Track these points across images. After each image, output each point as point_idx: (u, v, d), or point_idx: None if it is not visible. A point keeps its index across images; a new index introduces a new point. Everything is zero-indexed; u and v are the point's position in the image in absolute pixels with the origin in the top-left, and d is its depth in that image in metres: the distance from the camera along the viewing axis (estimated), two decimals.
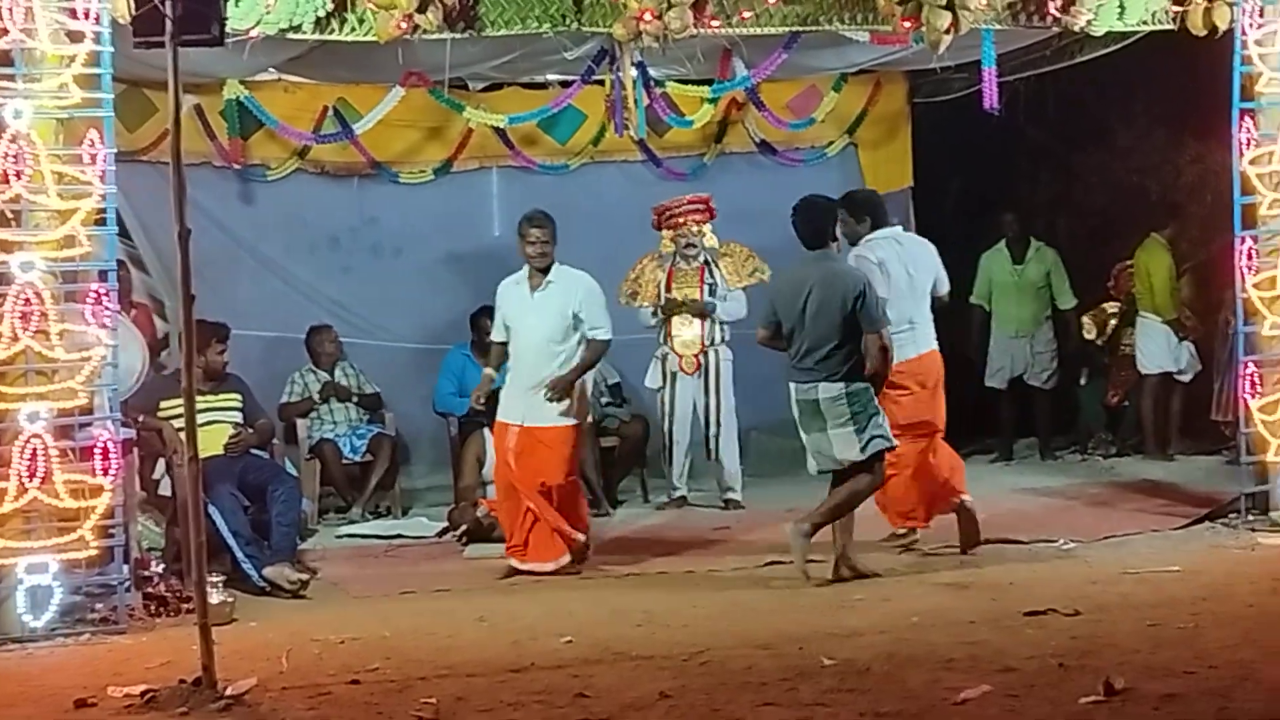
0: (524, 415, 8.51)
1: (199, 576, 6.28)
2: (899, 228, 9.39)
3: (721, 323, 10.41)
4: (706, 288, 10.38)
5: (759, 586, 8.05)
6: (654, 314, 10.44)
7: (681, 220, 10.37)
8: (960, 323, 12.22)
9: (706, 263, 10.43)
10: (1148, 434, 11.71)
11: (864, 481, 8.07)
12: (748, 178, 11.80)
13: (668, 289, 10.40)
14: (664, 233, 10.49)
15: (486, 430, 9.81)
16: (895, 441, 8.08)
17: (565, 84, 10.08)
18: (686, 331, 10.39)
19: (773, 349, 8.27)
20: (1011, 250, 11.96)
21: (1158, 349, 11.61)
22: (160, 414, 8.48)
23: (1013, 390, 12.06)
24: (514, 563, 8.47)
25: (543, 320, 8.57)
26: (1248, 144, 8.86)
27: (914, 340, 8.53)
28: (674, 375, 10.42)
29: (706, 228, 10.43)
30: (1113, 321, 12.06)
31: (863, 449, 7.94)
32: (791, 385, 8.08)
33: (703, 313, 10.32)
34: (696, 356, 10.36)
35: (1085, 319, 12.08)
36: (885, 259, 8.50)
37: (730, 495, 10.44)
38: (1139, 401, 11.80)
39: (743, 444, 11.11)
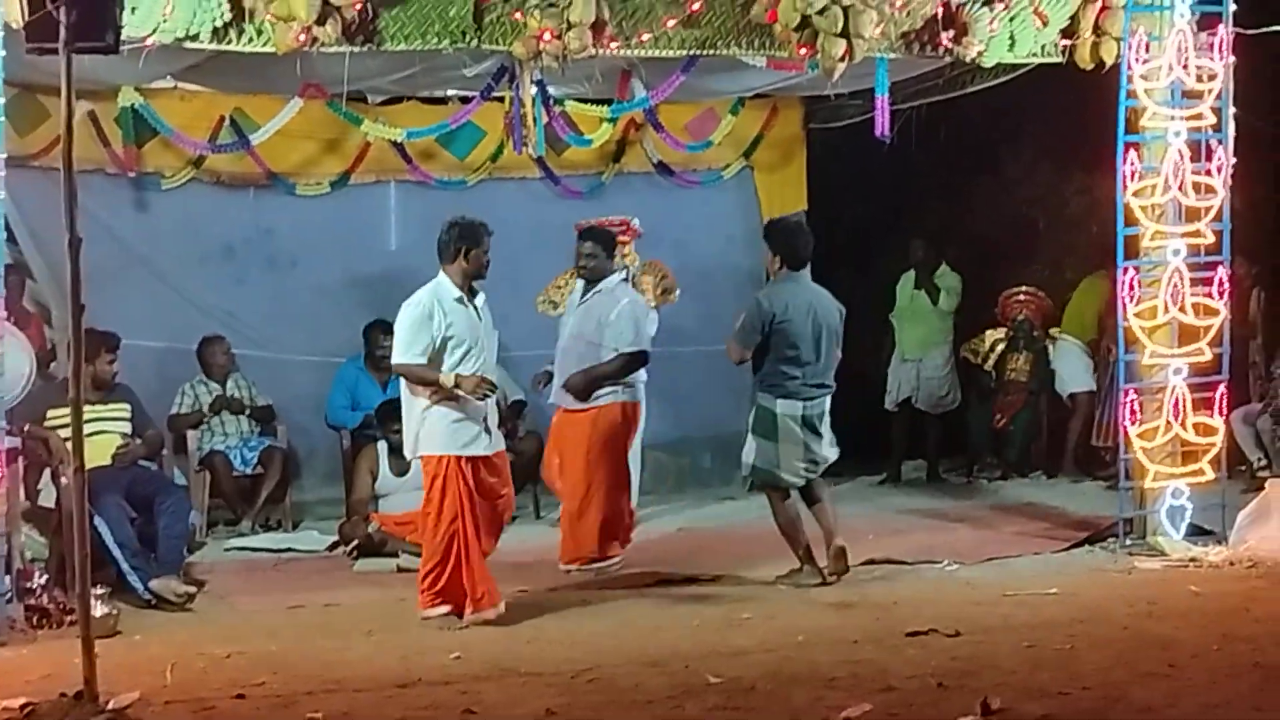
0: None
1: (82, 588, 6.22)
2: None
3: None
4: None
5: (648, 604, 8.11)
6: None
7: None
8: (862, 342, 12.45)
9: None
10: (1072, 456, 11.92)
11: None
12: (645, 198, 11.84)
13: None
14: None
15: (380, 444, 9.81)
16: None
17: (465, 100, 10.09)
18: None
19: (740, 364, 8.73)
20: (918, 275, 12.17)
21: (1080, 369, 11.84)
22: (47, 423, 8.37)
23: (903, 413, 12.24)
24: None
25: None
26: (1132, 176, 9.07)
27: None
28: None
29: (629, 248, 10.40)
30: (999, 347, 12.27)
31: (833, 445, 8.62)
32: (798, 403, 8.46)
33: None
34: None
35: (970, 344, 12.31)
36: None
37: None
38: (1069, 423, 11.99)
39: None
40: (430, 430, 7.68)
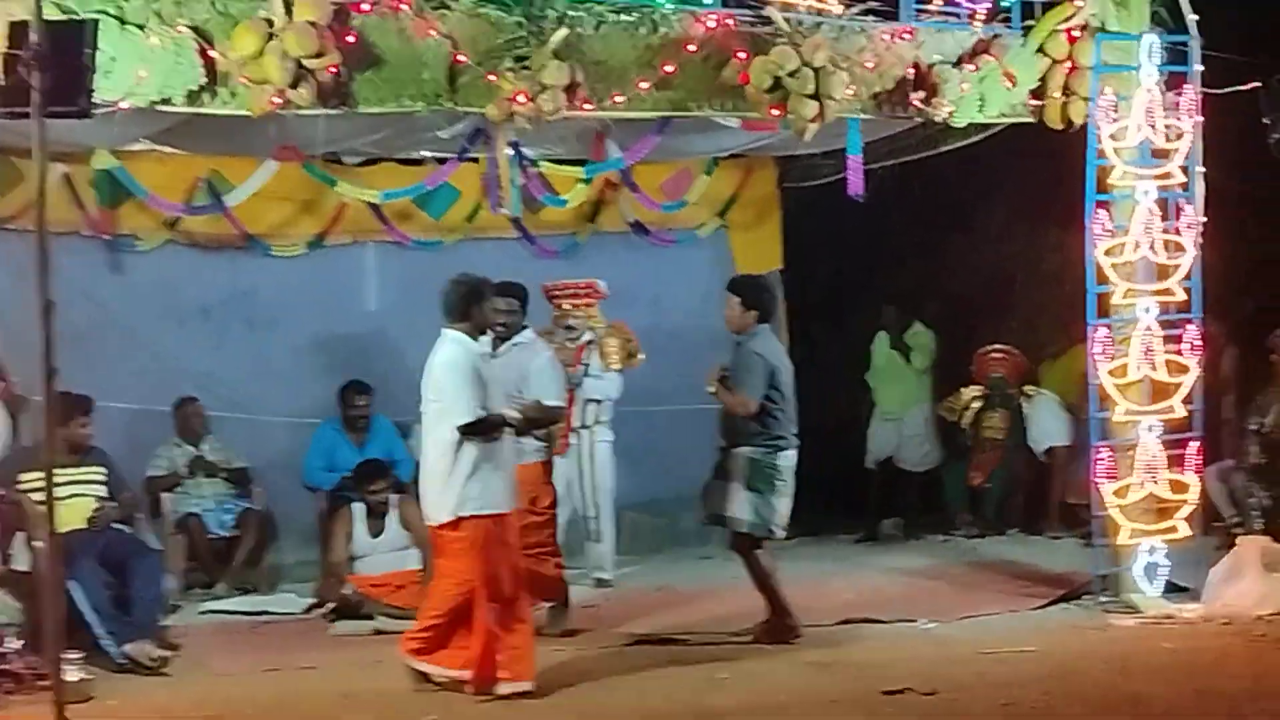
0: None
1: (54, 653, 6.19)
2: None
3: (595, 401, 10.37)
4: (582, 367, 10.33)
5: (626, 665, 8.08)
6: None
7: (561, 303, 10.35)
8: (837, 400, 12.51)
9: (590, 343, 10.39)
10: (1056, 511, 11.89)
11: None
12: (621, 257, 11.90)
13: None
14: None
15: (355, 505, 9.79)
16: None
17: (441, 161, 10.14)
18: None
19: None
20: (891, 337, 12.23)
21: (1057, 424, 11.87)
22: (20, 487, 8.35)
23: (883, 471, 12.27)
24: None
25: None
26: (1102, 234, 9.14)
27: None
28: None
29: (595, 310, 10.42)
30: (975, 405, 12.31)
31: None
32: (792, 453, 8.61)
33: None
34: (564, 437, 10.17)
35: (946, 402, 12.35)
36: None
37: (601, 575, 10.39)
38: (1048, 481, 12.01)
39: (617, 524, 11.20)
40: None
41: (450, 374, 7.55)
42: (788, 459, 8.58)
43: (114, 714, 7.16)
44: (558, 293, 10.39)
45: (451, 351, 7.61)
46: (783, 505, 8.57)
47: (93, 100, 6.49)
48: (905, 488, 12.37)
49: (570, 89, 8.36)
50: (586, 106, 8.52)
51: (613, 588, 10.30)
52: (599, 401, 10.41)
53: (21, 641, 7.78)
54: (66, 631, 6.84)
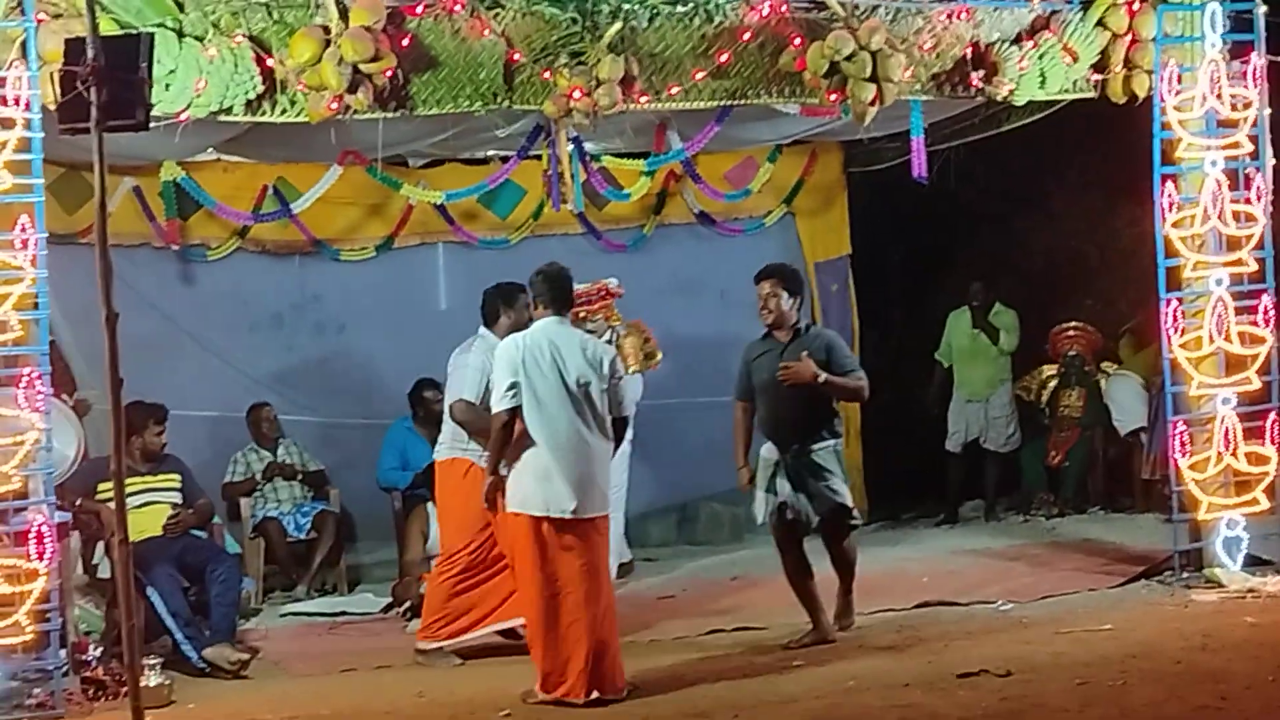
0: None
1: (131, 659, 6.28)
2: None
3: None
4: None
5: (698, 654, 8.09)
6: None
7: (577, 310, 9.83)
8: (916, 384, 12.45)
9: (612, 342, 10.12)
10: (1139, 493, 11.77)
11: None
12: (688, 248, 11.93)
13: None
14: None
15: (430, 505, 9.83)
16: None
17: (503, 159, 10.18)
18: None
19: None
20: (974, 316, 12.14)
21: (1139, 406, 11.73)
22: (99, 496, 8.48)
23: (965, 454, 12.19)
24: None
25: None
26: (1170, 208, 9.03)
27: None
28: None
29: (613, 310, 10.27)
30: (1051, 384, 12.21)
31: None
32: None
33: None
34: None
35: (1022, 381, 12.25)
36: None
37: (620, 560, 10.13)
38: (1128, 458, 11.88)
39: (694, 513, 11.21)
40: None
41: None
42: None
43: (194, 717, 7.27)
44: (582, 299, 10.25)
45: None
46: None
47: (151, 113, 6.55)
48: (988, 470, 12.27)
49: (626, 82, 8.36)
50: (643, 99, 8.52)
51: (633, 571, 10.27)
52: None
53: (104, 648, 7.91)
54: (146, 637, 6.94)
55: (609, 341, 10.14)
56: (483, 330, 8.61)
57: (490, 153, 10.59)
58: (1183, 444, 9.06)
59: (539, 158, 9.68)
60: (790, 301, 8.36)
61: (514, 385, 7.28)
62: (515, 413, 7.29)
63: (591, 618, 7.15)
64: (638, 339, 10.35)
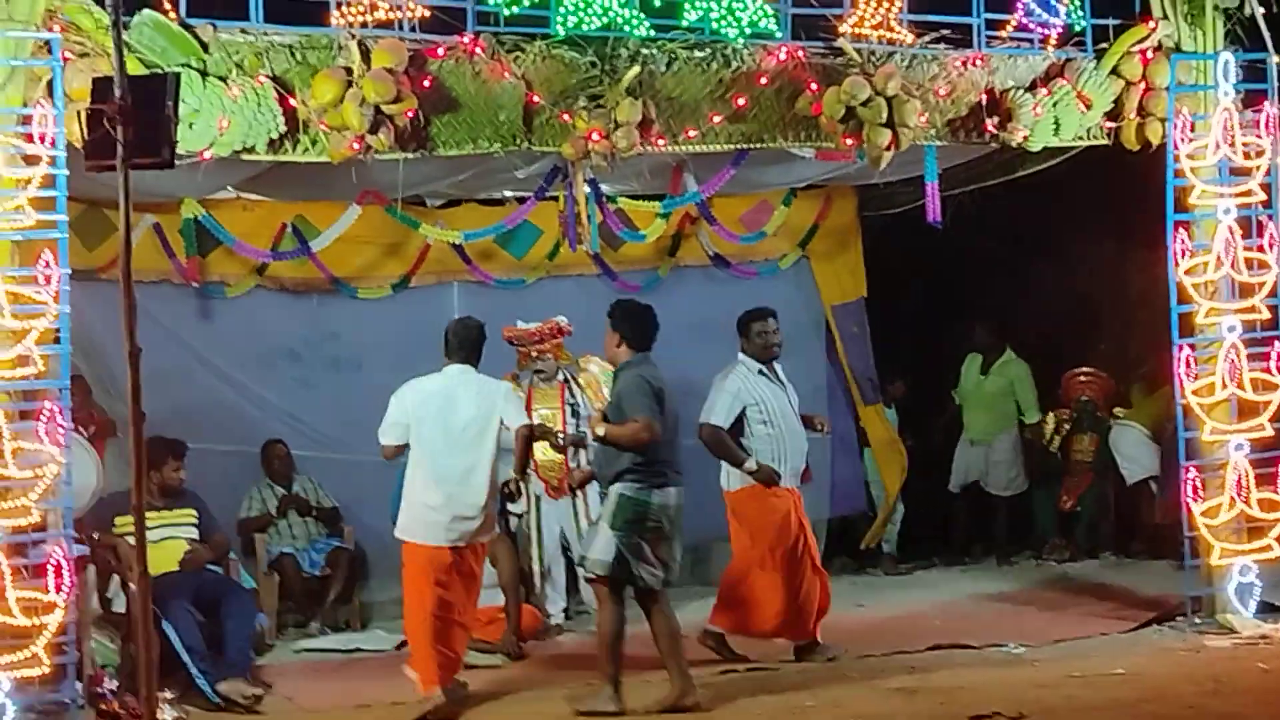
0: None
1: (148, 692, 6.32)
2: None
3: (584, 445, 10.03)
4: (568, 407, 10.25)
5: (710, 691, 8.06)
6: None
7: (529, 350, 10.22)
8: (929, 425, 12.51)
9: (565, 380, 10.31)
10: (1150, 539, 11.73)
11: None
12: (703, 290, 11.95)
13: (528, 409, 9.61)
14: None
15: None
16: None
17: (520, 200, 10.26)
18: (548, 453, 10.02)
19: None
20: (984, 359, 12.20)
21: (1144, 455, 11.75)
22: (115, 530, 8.53)
23: (968, 496, 12.23)
24: None
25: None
26: (1183, 254, 9.09)
27: None
28: (538, 499, 10.20)
29: (561, 349, 10.31)
30: (1064, 428, 12.24)
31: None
32: (672, 490, 7.96)
33: (573, 443, 9.97)
34: (561, 480, 10.11)
35: (1034, 426, 12.28)
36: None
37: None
38: (1137, 509, 11.89)
39: (706, 553, 11.21)
40: None
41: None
42: (664, 496, 7.89)
43: None
44: (521, 340, 10.25)
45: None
46: (662, 551, 7.87)
47: (176, 151, 6.63)
48: (993, 513, 12.29)
49: (644, 125, 8.45)
50: (660, 142, 8.61)
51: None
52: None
53: (119, 681, 7.94)
54: (162, 671, 6.97)
55: (566, 381, 10.18)
56: (741, 356, 9.02)
57: (508, 193, 10.68)
58: (1195, 490, 9.10)
59: (556, 199, 9.75)
60: (615, 340, 8.26)
61: None
62: None
63: None
64: (591, 376, 10.33)
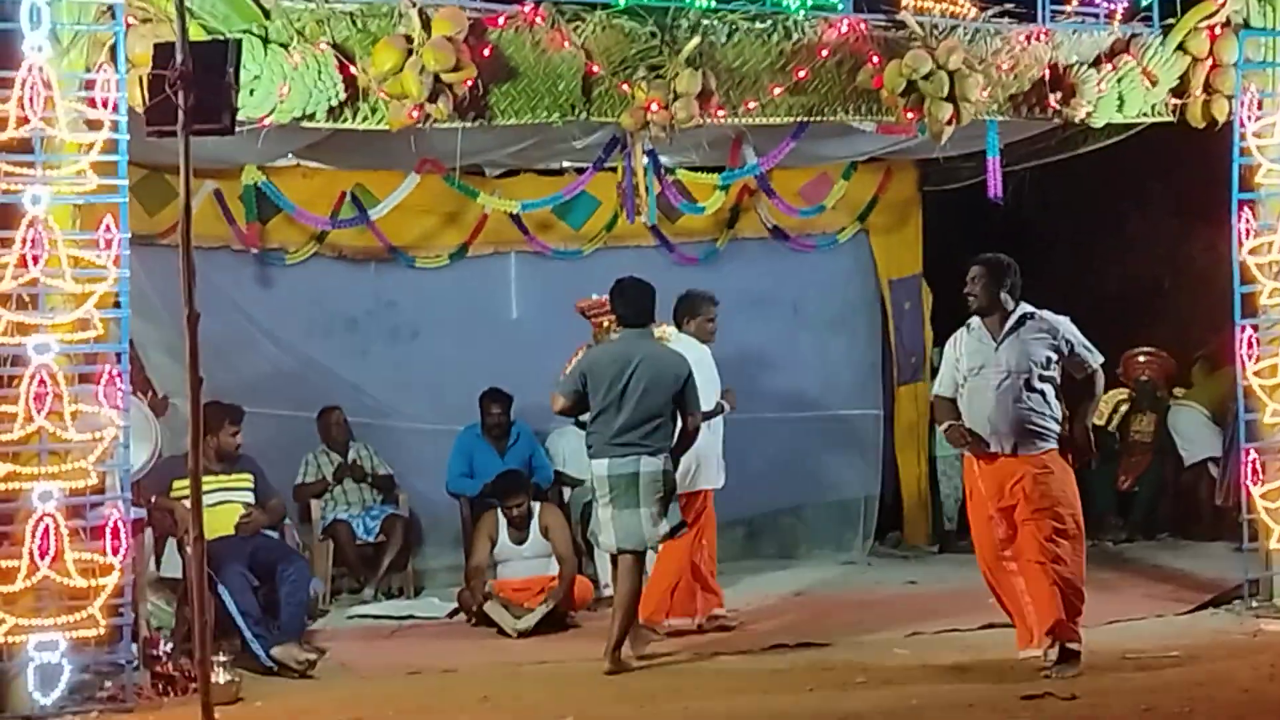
0: None
1: (202, 655, 6.37)
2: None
3: None
4: None
5: (763, 669, 8.11)
6: None
7: (602, 320, 10.11)
8: None
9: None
10: (1209, 520, 11.60)
11: (636, 571, 8.23)
12: (761, 263, 11.92)
13: None
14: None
15: (499, 512, 9.87)
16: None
17: (579, 171, 10.25)
18: None
19: (565, 416, 8.75)
20: None
21: (1203, 437, 11.63)
22: (173, 494, 8.60)
23: None
24: None
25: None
26: (1247, 234, 8.98)
27: None
28: None
29: (609, 323, 10.08)
30: (1123, 408, 12.13)
31: (671, 530, 8.22)
32: (604, 461, 8.13)
33: None
34: None
35: None
36: None
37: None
38: (1195, 490, 11.77)
39: (760, 528, 11.20)
40: None
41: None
42: (608, 467, 8.12)
43: (261, 715, 7.34)
44: (595, 311, 10.19)
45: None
46: (618, 517, 8.11)
47: (236, 118, 6.65)
48: None
49: (703, 97, 8.41)
50: (720, 114, 8.56)
51: None
52: None
53: (174, 644, 8.02)
54: (216, 635, 7.03)
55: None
56: (975, 321, 8.15)
57: (566, 164, 10.67)
58: (1255, 472, 9.00)
59: (614, 170, 9.72)
60: None
61: None
62: None
63: None
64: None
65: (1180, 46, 9.09)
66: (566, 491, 10.77)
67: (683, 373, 8.26)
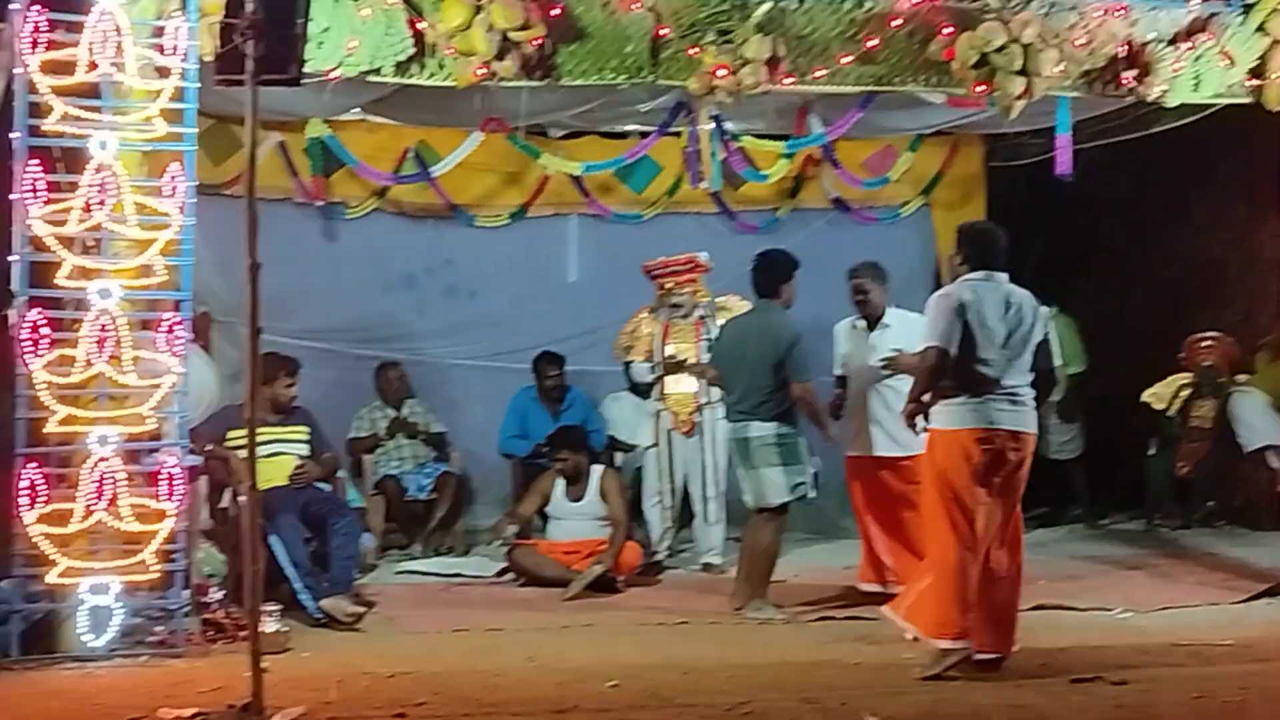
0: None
1: (252, 605, 6.40)
2: None
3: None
4: (704, 343, 10.11)
5: (809, 640, 8.07)
6: (651, 369, 10.22)
7: (665, 280, 10.17)
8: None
9: (703, 318, 10.19)
10: (1267, 511, 11.48)
11: (770, 531, 8.57)
12: (822, 234, 11.83)
13: (664, 343, 10.15)
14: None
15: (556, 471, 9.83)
16: (814, 492, 8.58)
17: (643, 134, 10.19)
18: (680, 388, 10.11)
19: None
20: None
21: (1265, 423, 11.49)
22: (228, 444, 8.63)
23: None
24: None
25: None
26: None
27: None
28: (669, 434, 10.16)
29: (700, 285, 10.23)
30: (1184, 393, 11.99)
31: (790, 490, 8.47)
32: (729, 425, 8.76)
33: (704, 373, 9.91)
34: (691, 415, 10.07)
35: (1154, 390, 12.02)
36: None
37: (711, 560, 10.10)
38: (1254, 478, 11.64)
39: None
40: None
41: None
42: (731, 431, 8.78)
43: (308, 665, 7.35)
44: (659, 271, 10.21)
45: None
46: (745, 478, 8.64)
47: (304, 69, 6.64)
48: (1074, 478, 12.09)
49: (772, 63, 8.35)
50: (788, 81, 8.49)
51: (723, 573, 9.85)
52: None
53: (226, 592, 8.06)
54: (266, 585, 7.05)
55: (704, 317, 10.14)
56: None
57: (630, 127, 10.60)
58: None
59: (678, 134, 9.68)
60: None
61: None
62: None
63: None
64: (730, 314, 10.07)
65: (1260, 27, 8.92)
66: (618, 457, 10.75)
67: (786, 344, 8.54)
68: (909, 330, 8.55)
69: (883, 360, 8.71)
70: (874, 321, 9.03)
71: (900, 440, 8.51)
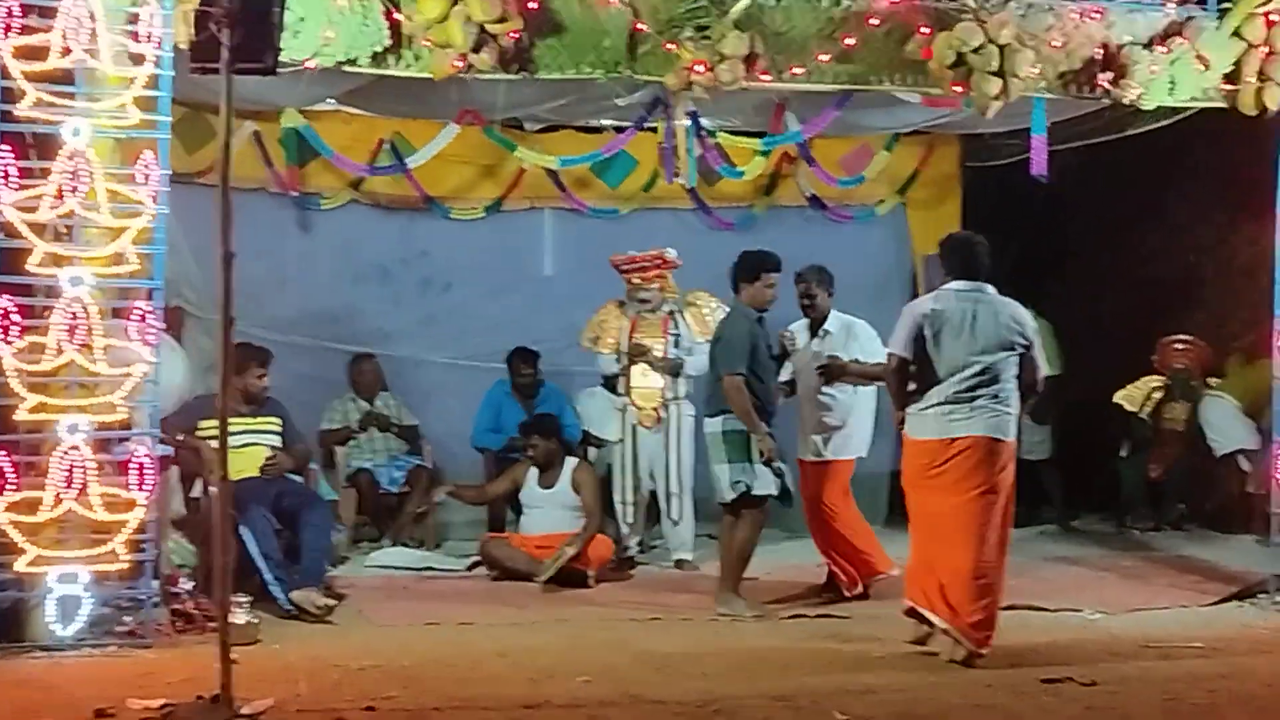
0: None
1: (222, 596, 6.37)
2: None
3: (687, 376, 10.10)
4: (670, 338, 10.12)
5: (781, 638, 8.07)
6: (616, 360, 10.19)
7: (633, 276, 10.14)
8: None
9: (671, 313, 10.17)
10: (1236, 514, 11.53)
11: (740, 528, 8.59)
12: (798, 231, 11.81)
13: (630, 338, 10.13)
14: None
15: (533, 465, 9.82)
16: (770, 490, 8.52)
17: (619, 129, 10.18)
18: (646, 382, 10.09)
19: None
20: None
21: (1235, 428, 11.51)
22: (200, 434, 8.59)
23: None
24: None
25: None
26: None
27: None
28: (633, 429, 10.15)
29: (668, 281, 10.21)
30: (1156, 396, 12.02)
31: (730, 487, 8.49)
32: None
33: (671, 370, 10.01)
34: (657, 410, 10.07)
35: (1125, 392, 12.05)
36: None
37: (682, 556, 10.11)
38: (1225, 482, 11.68)
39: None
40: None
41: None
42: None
43: (278, 657, 7.33)
44: (627, 267, 10.19)
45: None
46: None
47: (280, 59, 6.61)
48: (1046, 479, 12.11)
49: (749, 60, 8.35)
50: (765, 78, 8.49)
51: (696, 570, 9.95)
52: (692, 376, 10.04)
53: (194, 583, 8.01)
54: (237, 576, 7.02)
55: (672, 313, 10.13)
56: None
57: (606, 121, 10.58)
58: None
59: (654, 130, 9.66)
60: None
61: None
62: None
63: None
64: (699, 310, 10.26)
65: (1236, 32, 8.95)
66: (592, 452, 10.73)
67: (719, 335, 8.77)
68: (847, 338, 8.86)
69: (818, 367, 8.83)
70: (817, 326, 9.03)
71: (831, 446, 8.98)
